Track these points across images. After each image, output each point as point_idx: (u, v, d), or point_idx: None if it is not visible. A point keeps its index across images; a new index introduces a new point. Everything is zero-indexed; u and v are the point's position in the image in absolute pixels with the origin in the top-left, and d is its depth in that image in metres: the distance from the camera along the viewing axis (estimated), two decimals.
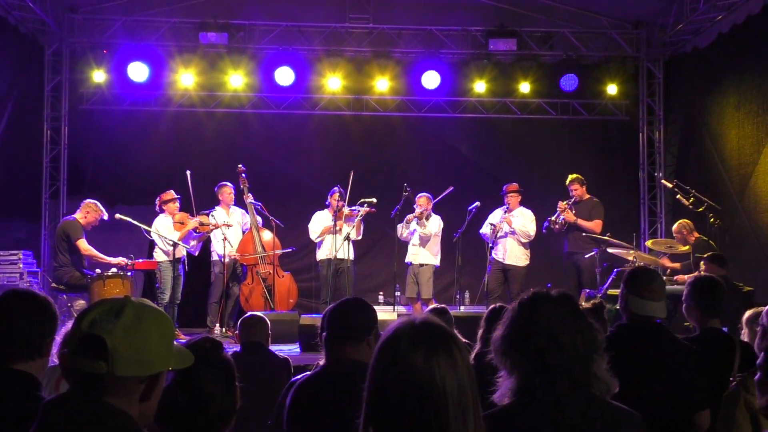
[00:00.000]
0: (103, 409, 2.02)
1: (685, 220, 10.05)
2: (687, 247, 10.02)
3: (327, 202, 11.07)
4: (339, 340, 3.43)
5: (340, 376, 3.35)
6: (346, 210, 10.80)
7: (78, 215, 9.90)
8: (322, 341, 4.02)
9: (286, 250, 11.01)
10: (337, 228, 10.71)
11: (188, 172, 10.58)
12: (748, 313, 4.96)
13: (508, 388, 2.41)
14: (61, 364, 2.09)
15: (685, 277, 9.84)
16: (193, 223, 10.48)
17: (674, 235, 10.08)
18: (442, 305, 5.89)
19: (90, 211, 9.90)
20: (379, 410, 1.82)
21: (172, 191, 10.78)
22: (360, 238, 11.12)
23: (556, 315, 2.39)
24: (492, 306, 5.03)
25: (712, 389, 3.89)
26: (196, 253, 10.91)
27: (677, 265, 10.06)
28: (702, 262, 8.74)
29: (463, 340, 4.55)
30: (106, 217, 10.05)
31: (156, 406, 2.18)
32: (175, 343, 2.22)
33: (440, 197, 11.02)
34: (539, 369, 2.35)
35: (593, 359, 2.38)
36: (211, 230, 10.70)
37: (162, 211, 10.70)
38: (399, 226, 11.10)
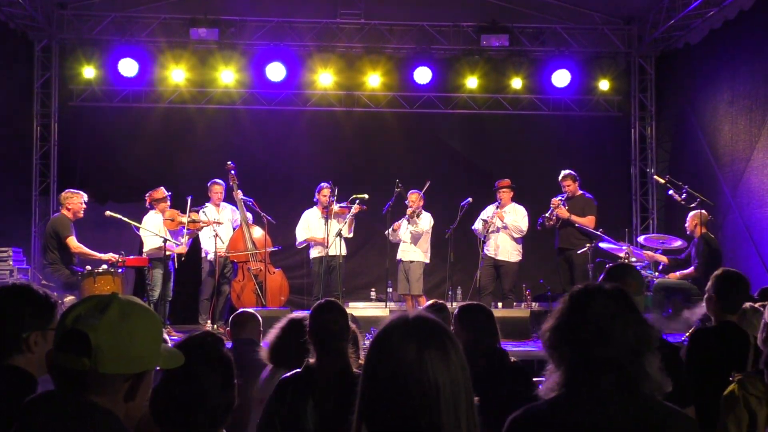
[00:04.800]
0: (86, 408, 1.99)
1: (704, 212, 9.85)
2: (678, 243, 10.02)
3: (315, 199, 11.03)
4: None
5: None
6: (335, 207, 10.75)
7: (63, 211, 9.80)
8: (311, 339, 3.99)
9: (272, 249, 10.88)
10: (326, 236, 10.65)
11: (189, 198, 10.45)
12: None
13: (555, 382, 2.33)
14: (46, 361, 2.05)
15: (677, 274, 9.85)
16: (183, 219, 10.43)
17: (687, 221, 9.98)
18: (441, 302, 5.82)
19: (70, 201, 9.75)
20: (372, 405, 1.81)
21: (162, 188, 10.70)
22: (351, 235, 11.09)
23: (607, 308, 2.30)
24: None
25: (719, 385, 3.86)
26: (186, 250, 10.84)
27: (679, 275, 9.99)
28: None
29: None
30: (86, 198, 9.92)
31: (142, 406, 2.14)
32: (167, 338, 2.18)
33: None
34: (586, 363, 2.27)
35: (644, 356, 2.28)
36: (202, 228, 10.65)
37: (152, 207, 10.63)
38: (387, 232, 11.12)
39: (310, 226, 11.02)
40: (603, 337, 2.26)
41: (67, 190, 9.97)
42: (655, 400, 2.30)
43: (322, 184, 10.87)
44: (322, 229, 10.77)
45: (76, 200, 9.77)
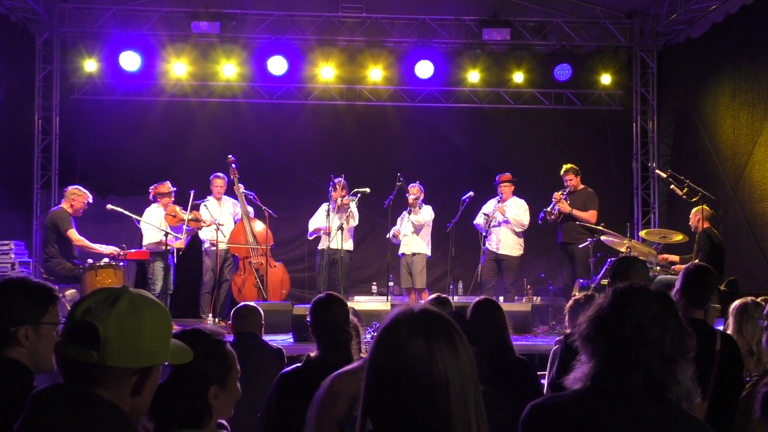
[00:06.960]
0: (92, 401, 1.98)
1: (707, 207, 9.82)
2: (680, 236, 9.99)
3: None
4: None
5: None
6: (338, 201, 10.75)
7: (64, 205, 9.77)
8: (313, 333, 3.99)
9: (253, 246, 10.85)
10: (330, 225, 10.65)
11: (192, 192, 10.47)
12: (735, 303, 4.76)
13: (583, 373, 2.33)
14: (55, 353, 2.05)
15: (679, 263, 9.82)
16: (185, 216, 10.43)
17: (690, 217, 9.96)
18: (445, 295, 5.81)
19: (75, 197, 9.77)
20: (378, 401, 1.78)
21: (168, 183, 10.71)
22: (357, 223, 11.03)
23: (648, 309, 2.28)
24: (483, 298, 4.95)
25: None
26: (184, 246, 10.84)
27: (676, 257, 9.99)
28: None
29: None
30: (91, 199, 9.91)
31: (149, 402, 2.14)
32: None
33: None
34: (619, 360, 2.25)
35: (677, 362, 2.26)
36: (203, 227, 10.68)
37: (155, 200, 10.64)
38: (388, 236, 11.18)
39: (323, 218, 11.03)
40: (640, 338, 2.24)
41: (74, 186, 9.93)
42: (678, 409, 2.28)
43: (335, 179, 10.85)
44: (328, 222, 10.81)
45: (81, 200, 9.77)
